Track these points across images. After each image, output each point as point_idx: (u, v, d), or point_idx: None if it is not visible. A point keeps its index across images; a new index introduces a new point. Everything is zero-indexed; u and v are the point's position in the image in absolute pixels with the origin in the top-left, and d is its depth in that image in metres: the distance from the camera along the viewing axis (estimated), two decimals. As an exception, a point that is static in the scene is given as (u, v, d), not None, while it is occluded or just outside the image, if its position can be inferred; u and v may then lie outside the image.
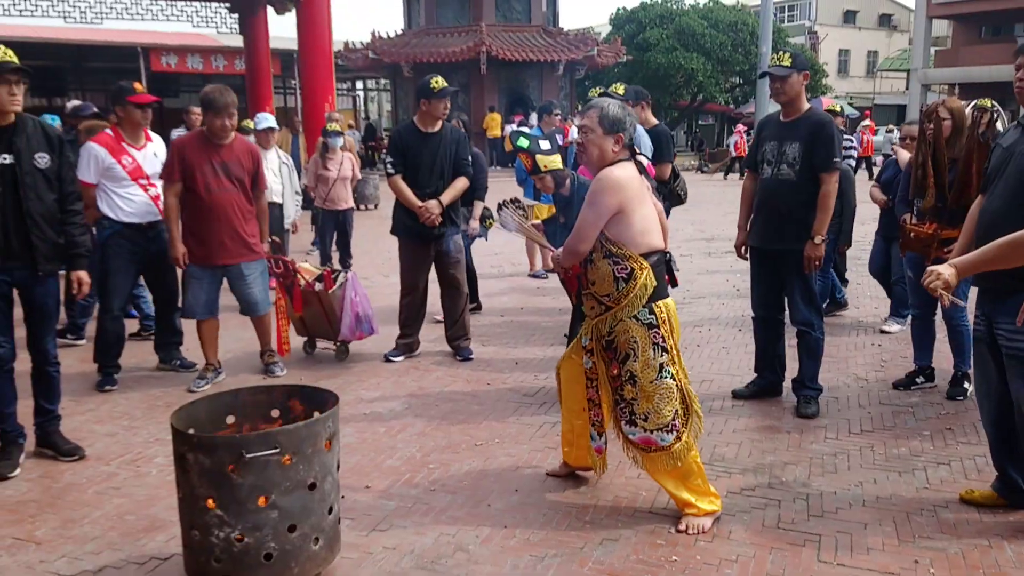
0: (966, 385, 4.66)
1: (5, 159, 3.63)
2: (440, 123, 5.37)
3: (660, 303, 3.19)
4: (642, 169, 3.32)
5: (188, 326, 5.29)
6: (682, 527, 3.18)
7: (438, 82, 5.26)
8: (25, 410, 3.93)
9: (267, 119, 7.35)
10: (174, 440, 2.70)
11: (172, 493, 3.51)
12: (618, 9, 34.18)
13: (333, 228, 7.99)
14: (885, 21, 49.69)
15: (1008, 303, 3.01)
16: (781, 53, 4.30)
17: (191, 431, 2.76)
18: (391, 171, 5.31)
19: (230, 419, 2.99)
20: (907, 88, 39.60)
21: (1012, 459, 3.28)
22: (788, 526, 3.25)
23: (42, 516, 3.38)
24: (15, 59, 3.65)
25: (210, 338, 5.11)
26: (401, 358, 5.58)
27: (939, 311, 4.69)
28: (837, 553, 3.03)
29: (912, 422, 4.37)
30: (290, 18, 14.64)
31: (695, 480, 3.23)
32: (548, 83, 25.73)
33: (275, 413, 3.09)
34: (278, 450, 2.64)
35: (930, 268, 2.82)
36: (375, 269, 8.79)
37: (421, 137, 5.32)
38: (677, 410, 3.20)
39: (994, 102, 4.43)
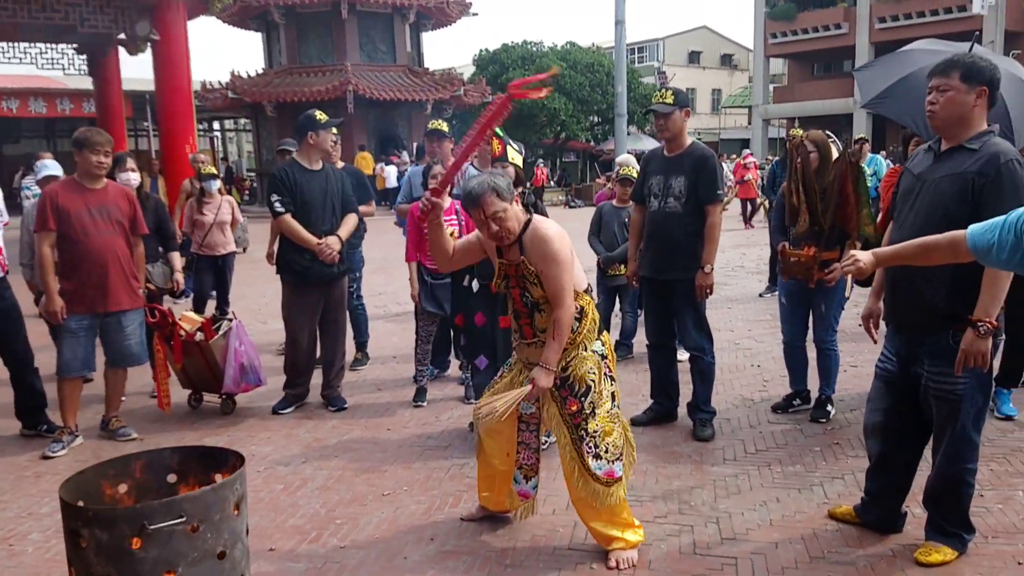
0: (829, 408, 4.87)
1: None
2: (321, 160, 5.25)
3: (604, 335, 3.25)
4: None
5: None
6: (612, 563, 3.15)
7: (322, 114, 5.14)
8: None
9: (48, 167, 6.14)
10: (64, 515, 2.44)
11: (53, 573, 3.21)
12: (480, 51, 34.82)
13: (211, 274, 7.62)
14: (727, 60, 53.11)
15: (929, 343, 3.03)
16: (664, 91, 4.48)
17: (81, 504, 2.50)
18: (280, 209, 5.03)
19: (122, 488, 2.74)
20: (749, 123, 42.40)
21: (895, 492, 3.33)
22: (704, 551, 3.31)
23: None
24: None
25: (75, 398, 4.75)
26: (291, 409, 5.33)
27: (810, 335, 4.95)
28: (755, 575, 3.10)
29: (801, 439, 4.57)
30: (143, 58, 14.00)
31: (622, 514, 3.23)
32: (417, 122, 25.76)
33: (172, 478, 2.86)
34: (184, 519, 2.43)
35: (851, 252, 2.82)
36: (252, 316, 8.42)
37: (308, 174, 5.14)
38: (626, 438, 3.26)
39: (829, 132, 4.82)
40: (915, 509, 3.41)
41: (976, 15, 26.19)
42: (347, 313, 5.55)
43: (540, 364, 3.11)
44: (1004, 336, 3.76)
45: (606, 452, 3.15)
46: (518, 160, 4.59)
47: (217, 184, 7.46)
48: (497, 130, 4.40)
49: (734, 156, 26.18)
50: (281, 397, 5.38)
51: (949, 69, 2.96)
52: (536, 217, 3.20)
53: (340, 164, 6.21)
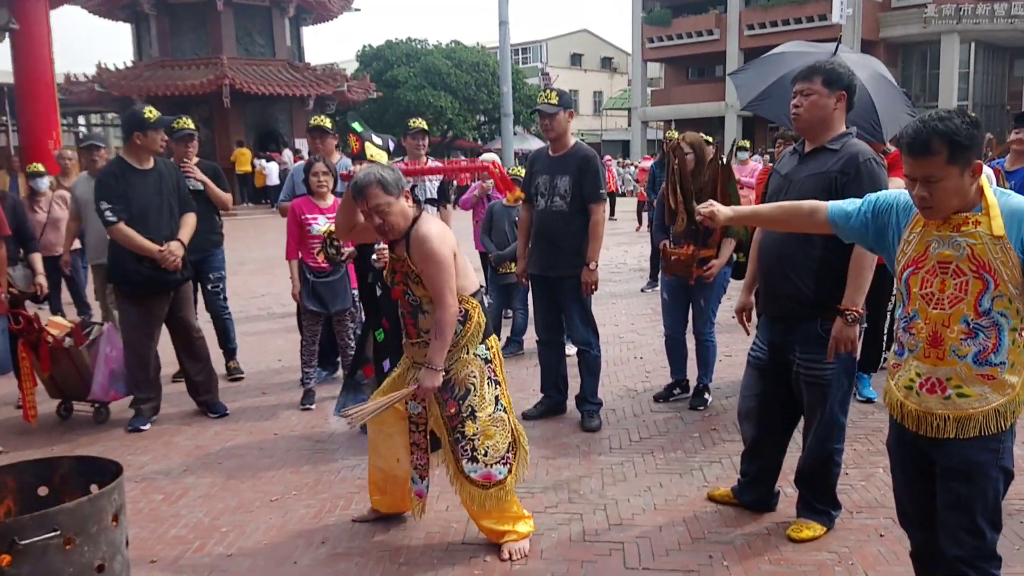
0: (706, 396, 5.11)
1: None
2: (152, 158, 4.89)
3: (491, 338, 3.25)
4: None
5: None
6: (505, 555, 3.20)
7: (152, 112, 4.82)
8: None
9: None
10: (-79, 538, 2.27)
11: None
12: (364, 46, 34.33)
13: (56, 276, 7.21)
14: (607, 63, 54.45)
15: (799, 331, 3.22)
16: (549, 92, 4.56)
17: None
18: (112, 219, 4.61)
19: (-13, 504, 2.57)
20: (629, 125, 43.64)
21: (768, 473, 3.53)
22: (593, 538, 3.41)
23: None
24: None
25: None
26: (148, 426, 4.93)
27: (690, 328, 5.17)
28: (641, 558, 3.21)
29: (682, 426, 4.77)
30: (0, 48, 13.09)
31: (511, 509, 3.28)
32: (298, 117, 25.14)
33: (43, 491, 2.71)
34: (58, 532, 2.31)
35: (710, 201, 2.87)
36: (125, 320, 8.01)
37: (139, 175, 4.78)
38: (510, 442, 3.25)
39: (704, 135, 5.06)
40: (787, 489, 3.62)
41: (835, 24, 27.91)
42: (195, 318, 5.22)
43: (425, 365, 3.11)
44: (865, 324, 4.04)
45: (484, 455, 3.18)
46: (381, 157, 4.33)
47: (47, 181, 7.15)
48: (355, 125, 4.28)
49: (620, 158, 26.83)
50: (133, 415, 4.96)
51: (811, 75, 3.16)
52: (424, 215, 3.19)
53: (195, 160, 5.82)
